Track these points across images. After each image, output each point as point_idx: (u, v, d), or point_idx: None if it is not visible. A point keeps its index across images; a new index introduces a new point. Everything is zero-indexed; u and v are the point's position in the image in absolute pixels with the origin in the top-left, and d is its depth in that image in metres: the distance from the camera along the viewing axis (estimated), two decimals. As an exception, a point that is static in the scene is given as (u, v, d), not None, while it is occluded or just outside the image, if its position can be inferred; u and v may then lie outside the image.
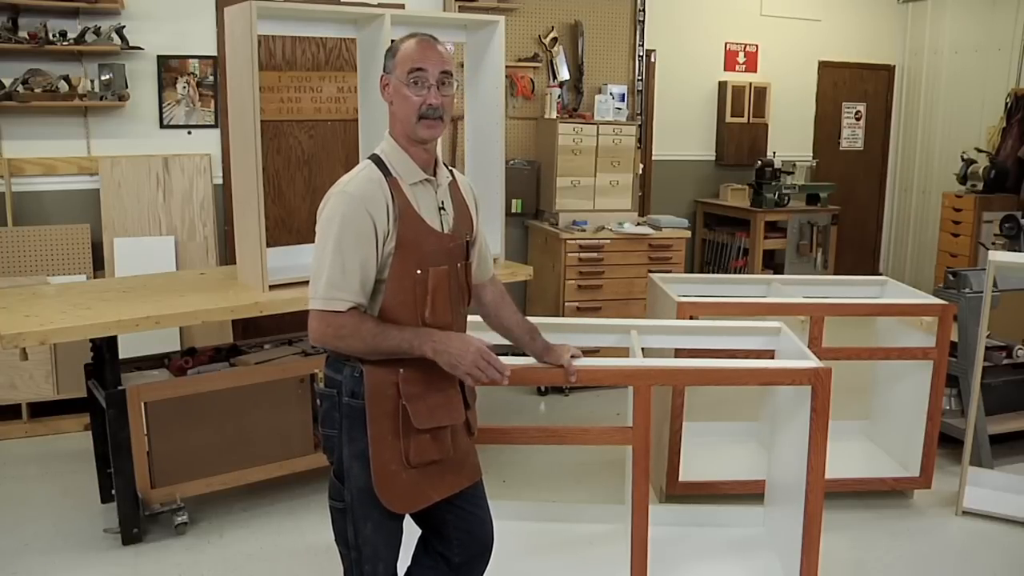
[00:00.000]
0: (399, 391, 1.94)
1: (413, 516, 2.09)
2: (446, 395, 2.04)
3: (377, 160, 1.99)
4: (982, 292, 3.62)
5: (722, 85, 6.89)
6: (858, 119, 7.73)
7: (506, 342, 2.38)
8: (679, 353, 3.17)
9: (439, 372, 1.98)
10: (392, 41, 2.05)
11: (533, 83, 5.43)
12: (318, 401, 2.04)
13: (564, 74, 5.50)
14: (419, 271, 1.96)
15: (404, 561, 2.14)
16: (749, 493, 3.40)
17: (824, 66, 7.40)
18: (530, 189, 5.42)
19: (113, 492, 3.32)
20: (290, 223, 5.14)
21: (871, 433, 4.09)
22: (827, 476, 2.61)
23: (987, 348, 3.89)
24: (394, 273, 1.93)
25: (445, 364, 1.92)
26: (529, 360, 2.42)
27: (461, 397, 2.09)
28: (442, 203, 2.06)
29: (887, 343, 3.89)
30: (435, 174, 2.05)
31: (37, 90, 4.38)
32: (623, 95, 5.51)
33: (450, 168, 2.17)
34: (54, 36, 4.39)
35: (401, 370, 1.95)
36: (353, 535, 1.99)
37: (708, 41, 6.83)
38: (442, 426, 2.01)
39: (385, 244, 1.92)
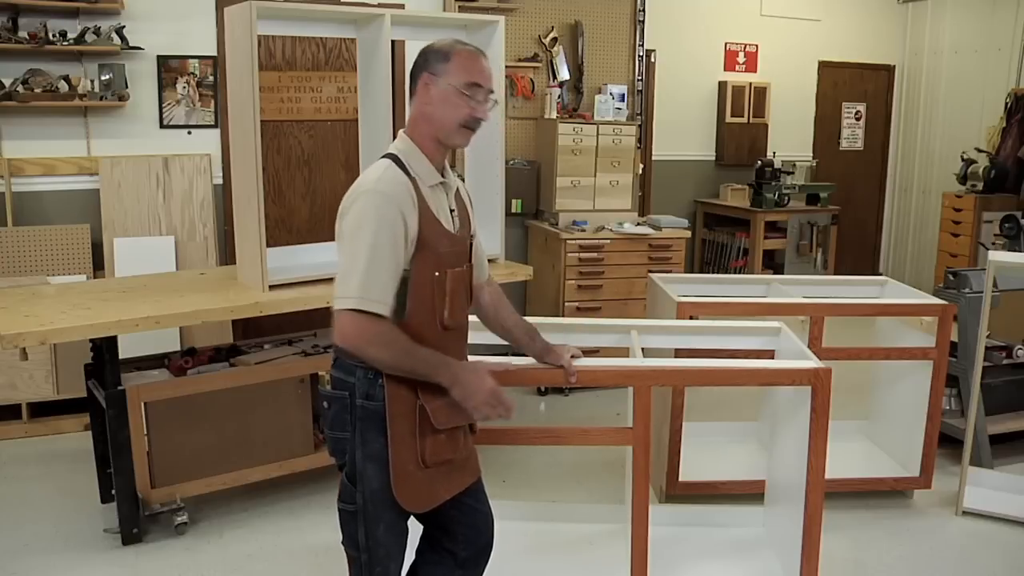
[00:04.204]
0: (417, 391, 1.94)
1: (418, 514, 2.10)
2: None
3: (396, 160, 1.97)
4: (982, 292, 3.62)
5: (722, 85, 6.89)
6: (858, 119, 7.73)
7: (504, 342, 2.39)
8: (679, 353, 3.17)
9: None
10: (437, 43, 2.01)
11: (533, 83, 5.43)
12: (324, 403, 2.02)
13: (564, 74, 5.50)
14: (437, 273, 1.96)
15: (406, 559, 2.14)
16: (749, 493, 3.40)
17: (824, 66, 7.40)
18: (530, 189, 5.42)
19: (113, 492, 3.32)
20: (290, 223, 5.13)
21: (871, 433, 4.09)
22: (827, 476, 2.61)
23: (987, 348, 3.89)
24: (415, 275, 1.93)
25: (458, 396, 1.94)
26: (529, 361, 2.42)
27: None
28: (452, 205, 2.07)
29: (887, 343, 3.89)
30: (444, 177, 2.06)
31: (37, 90, 4.38)
32: (623, 95, 5.51)
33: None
34: (54, 36, 4.40)
35: None
36: (364, 537, 1.97)
37: (708, 41, 6.84)
38: (458, 425, 2.02)
39: (410, 246, 1.92)
